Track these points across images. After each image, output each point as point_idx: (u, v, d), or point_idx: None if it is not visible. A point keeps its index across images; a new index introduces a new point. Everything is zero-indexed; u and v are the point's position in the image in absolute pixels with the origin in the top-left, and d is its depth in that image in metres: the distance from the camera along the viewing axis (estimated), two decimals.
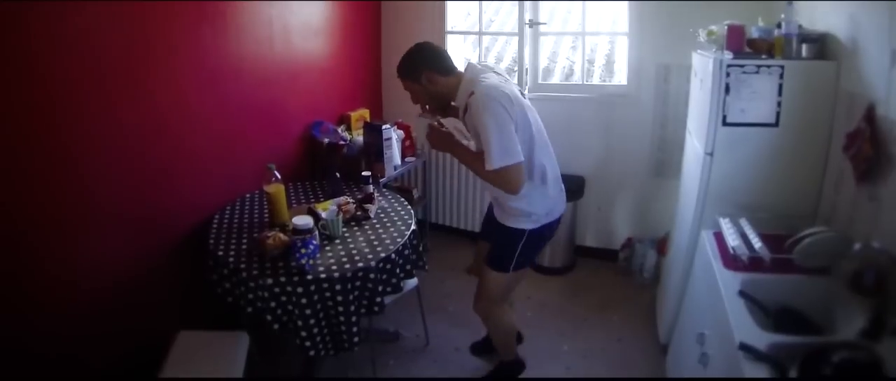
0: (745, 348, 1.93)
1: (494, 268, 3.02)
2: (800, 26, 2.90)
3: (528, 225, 2.89)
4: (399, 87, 2.93)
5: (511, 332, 3.37)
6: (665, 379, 3.19)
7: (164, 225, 3.20)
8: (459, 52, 5.36)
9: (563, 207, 3.02)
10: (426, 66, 2.77)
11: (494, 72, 2.84)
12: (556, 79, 6.18)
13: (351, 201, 3.42)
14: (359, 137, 4.37)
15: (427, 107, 2.97)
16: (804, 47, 2.86)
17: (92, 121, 2.70)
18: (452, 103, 2.88)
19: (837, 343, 1.96)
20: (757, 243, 2.55)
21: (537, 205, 2.86)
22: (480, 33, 5.08)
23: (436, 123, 2.93)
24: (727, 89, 2.86)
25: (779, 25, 2.94)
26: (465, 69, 2.82)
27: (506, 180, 2.60)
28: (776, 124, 2.87)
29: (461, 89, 2.77)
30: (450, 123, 2.96)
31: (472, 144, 2.88)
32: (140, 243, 3.07)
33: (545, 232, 2.99)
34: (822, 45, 2.86)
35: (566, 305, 4.24)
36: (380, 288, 2.92)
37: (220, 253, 2.93)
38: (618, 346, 3.76)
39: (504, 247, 2.96)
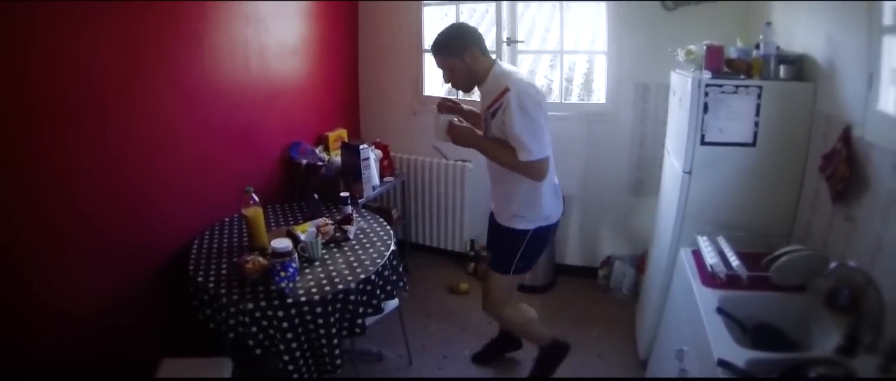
0: (723, 364, 1.95)
1: (497, 270, 3.15)
2: (778, 47, 2.94)
3: (530, 225, 3.00)
4: (376, 107, 2.96)
5: (530, 321, 3.43)
6: (660, 379, 3.19)
7: (144, 250, 3.17)
8: (437, 70, 5.30)
9: (560, 210, 3.14)
10: (473, 43, 2.83)
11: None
12: None
13: (330, 222, 3.41)
14: (337, 157, 4.36)
15: (445, 102, 3.08)
16: (782, 68, 2.89)
17: (70, 145, 2.68)
18: (479, 87, 2.97)
19: (814, 360, 1.98)
20: (734, 261, 2.57)
21: (541, 205, 2.97)
22: None
23: (455, 120, 2.98)
24: (705, 109, 2.88)
25: (757, 46, 2.98)
26: (494, 61, 2.92)
27: (537, 170, 2.78)
28: (754, 144, 2.90)
29: (493, 75, 2.87)
30: (445, 118, 2.99)
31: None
32: (121, 269, 3.04)
33: (545, 233, 3.09)
34: (799, 67, 2.89)
35: (547, 322, 4.21)
36: (361, 309, 2.91)
37: (201, 279, 2.90)
38: (598, 362, 3.77)
39: (506, 249, 3.08)
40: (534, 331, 3.44)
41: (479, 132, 3.03)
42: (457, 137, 2.96)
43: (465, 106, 3.25)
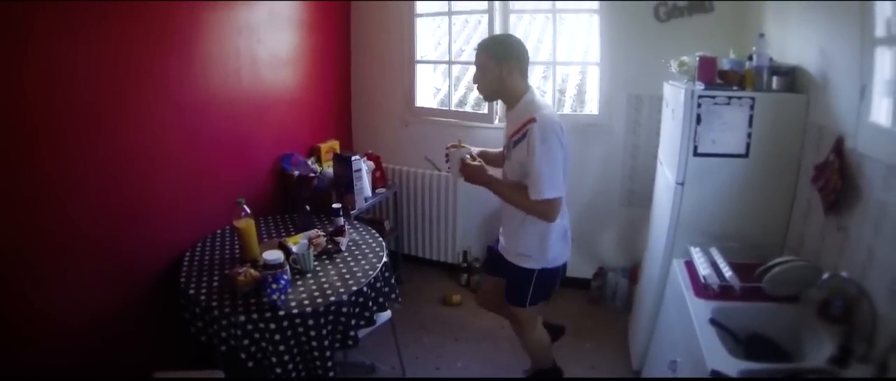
0: (717, 375, 1.95)
1: (515, 304, 3.10)
2: (771, 59, 2.95)
3: (535, 265, 2.94)
4: (368, 118, 2.93)
5: (547, 345, 3.41)
6: (656, 379, 3.18)
7: (135, 262, 3.15)
8: (429, 82, 5.39)
9: (567, 255, 3.07)
10: (516, 58, 2.79)
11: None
12: None
13: (322, 234, 3.40)
14: (329, 169, 4.36)
15: (459, 141, 3.01)
16: (775, 80, 2.90)
17: (63, 158, 2.67)
18: (508, 111, 2.93)
19: (807, 370, 1.99)
20: (727, 272, 2.58)
21: (547, 248, 2.91)
22: (450, 62, 5.08)
23: (467, 157, 2.94)
24: (698, 120, 2.89)
25: (750, 58, 2.99)
26: (529, 88, 2.86)
27: (547, 210, 2.72)
28: (746, 155, 2.91)
29: (524, 102, 2.81)
30: (458, 154, 2.97)
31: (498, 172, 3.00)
32: (112, 281, 3.02)
33: (553, 273, 3.03)
34: (792, 78, 2.90)
35: None
36: (353, 322, 2.90)
37: (192, 291, 2.89)
38: (591, 373, 3.76)
39: (517, 285, 3.04)
40: (548, 356, 3.44)
41: (491, 171, 2.97)
42: (469, 175, 2.92)
43: (474, 148, 3.19)
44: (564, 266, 3.09)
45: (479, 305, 3.60)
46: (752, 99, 2.84)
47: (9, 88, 2.40)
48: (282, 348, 2.67)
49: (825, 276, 2.06)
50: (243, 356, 2.65)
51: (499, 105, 4.74)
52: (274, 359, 2.66)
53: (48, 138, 2.59)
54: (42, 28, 2.50)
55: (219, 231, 3.65)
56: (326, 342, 2.75)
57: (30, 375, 2.61)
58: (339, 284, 2.93)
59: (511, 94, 2.84)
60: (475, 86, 2.94)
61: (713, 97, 2.87)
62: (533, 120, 2.67)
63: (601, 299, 4.70)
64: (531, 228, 2.87)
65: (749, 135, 2.87)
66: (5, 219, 2.44)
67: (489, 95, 2.96)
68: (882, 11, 2.12)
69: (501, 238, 3.14)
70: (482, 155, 3.12)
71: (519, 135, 2.75)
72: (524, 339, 3.34)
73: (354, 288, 2.89)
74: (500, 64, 2.77)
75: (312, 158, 4.58)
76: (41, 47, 2.51)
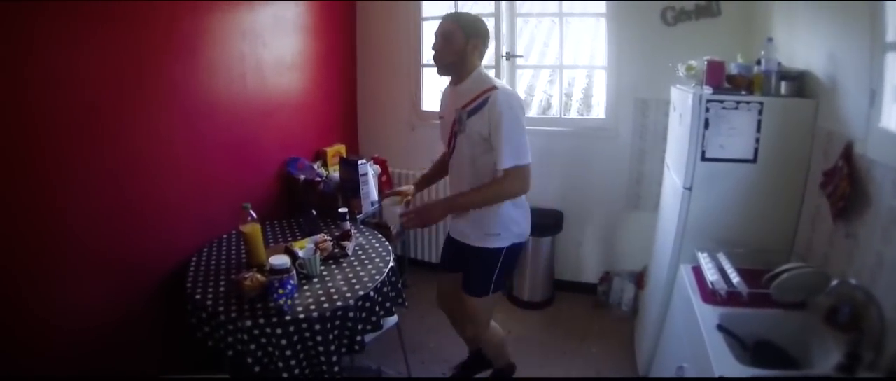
0: None
1: (476, 294, 3.04)
2: (779, 64, 2.93)
3: (504, 243, 2.93)
4: (374, 122, 2.93)
5: (503, 343, 3.40)
6: (662, 379, 3.17)
7: (141, 268, 3.15)
8: (435, 85, 5.32)
9: (530, 228, 3.07)
10: (482, 38, 2.83)
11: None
12: (533, 112, 6.16)
13: (328, 238, 3.39)
14: (335, 173, 4.35)
15: (386, 191, 3.05)
16: (783, 84, 2.89)
17: (67, 162, 2.67)
18: (456, 85, 2.90)
19: (814, 377, 1.99)
20: (735, 278, 2.57)
21: (517, 221, 2.94)
22: None
23: (400, 208, 3.00)
24: (707, 124, 2.88)
25: (758, 62, 2.99)
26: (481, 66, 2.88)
27: (521, 179, 2.71)
28: (755, 160, 2.90)
29: (477, 75, 2.82)
30: (393, 209, 2.96)
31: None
32: (118, 287, 3.01)
33: (518, 250, 3.04)
34: (801, 83, 2.89)
35: (545, 338, 4.23)
36: (360, 326, 2.89)
37: (198, 296, 2.88)
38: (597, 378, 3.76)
39: (482, 270, 2.99)
40: (504, 353, 3.45)
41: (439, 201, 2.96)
42: (421, 221, 2.88)
43: (406, 187, 3.29)
44: (527, 243, 3.14)
45: (438, 305, 3.51)
46: (761, 103, 2.83)
47: (12, 91, 2.40)
48: (288, 353, 2.66)
49: (834, 283, 2.05)
50: (250, 361, 2.65)
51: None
52: (280, 364, 2.66)
53: (51, 143, 2.59)
54: (45, 32, 2.49)
55: (225, 236, 3.65)
56: (333, 347, 2.74)
57: (36, 377, 2.61)
58: (345, 288, 2.93)
59: (467, 69, 2.84)
60: (432, 54, 2.89)
61: (721, 101, 2.86)
62: (492, 88, 2.71)
63: (607, 304, 4.70)
64: (498, 205, 2.86)
65: (757, 140, 2.86)
66: (8, 225, 2.44)
67: (447, 66, 2.88)
68: (893, 15, 2.11)
69: (459, 224, 3.09)
70: (420, 183, 3.19)
71: (475, 104, 2.76)
72: (479, 337, 3.29)
73: (361, 293, 2.88)
74: (468, 38, 2.78)
75: (318, 163, 4.58)
76: (44, 51, 2.50)
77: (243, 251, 3.27)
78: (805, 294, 2.33)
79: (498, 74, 4.74)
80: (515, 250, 3.01)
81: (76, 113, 2.69)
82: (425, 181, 3.34)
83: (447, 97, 3.01)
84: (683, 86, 3.30)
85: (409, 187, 3.30)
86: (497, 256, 2.94)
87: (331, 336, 2.73)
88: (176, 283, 3.21)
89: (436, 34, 2.87)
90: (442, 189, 4.22)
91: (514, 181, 2.71)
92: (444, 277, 3.36)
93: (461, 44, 2.78)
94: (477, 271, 3.01)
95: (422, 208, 2.88)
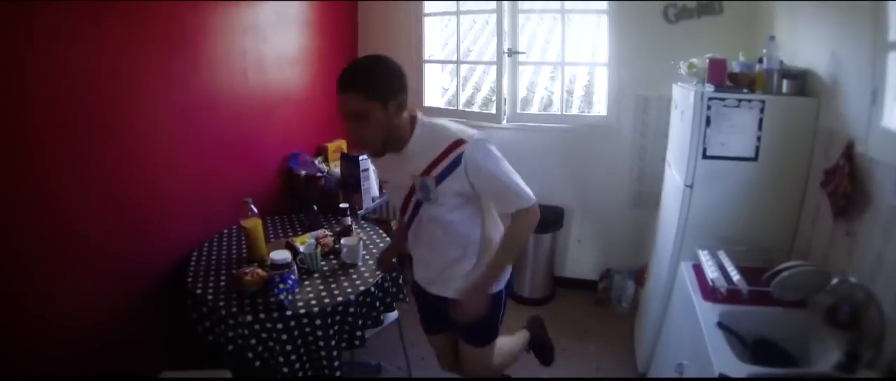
0: (724, 379, 1.95)
1: (484, 344, 2.73)
2: (781, 62, 2.94)
3: (500, 285, 2.54)
4: None
5: (504, 365, 3.08)
6: (662, 379, 3.17)
7: (141, 263, 3.15)
8: (437, 81, 5.39)
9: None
10: (402, 90, 2.25)
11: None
12: (534, 109, 6.20)
13: (329, 233, 3.40)
14: (336, 168, 4.36)
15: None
16: (785, 83, 2.89)
17: (67, 158, 2.67)
18: (399, 149, 2.33)
19: (814, 376, 1.99)
20: (735, 276, 2.57)
21: None
22: (458, 62, 5.07)
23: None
24: (708, 122, 2.89)
25: (760, 60, 2.99)
26: (415, 114, 2.37)
27: (533, 213, 2.29)
28: (756, 158, 2.90)
29: (424, 129, 2.31)
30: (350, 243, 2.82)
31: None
32: (119, 282, 3.01)
33: (512, 279, 2.71)
34: (803, 82, 2.89)
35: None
36: (360, 322, 2.91)
37: (199, 291, 2.89)
38: (597, 375, 3.77)
39: (484, 319, 2.44)
40: (510, 363, 3.18)
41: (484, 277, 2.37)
42: (480, 310, 2.34)
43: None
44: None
45: (446, 369, 3.08)
46: (762, 102, 2.83)
47: (12, 88, 2.39)
48: (289, 348, 2.67)
49: (834, 281, 2.06)
50: (250, 355, 2.66)
51: (505, 102, 4.77)
52: (281, 359, 2.67)
53: (51, 139, 2.58)
54: (45, 29, 2.49)
55: (226, 231, 3.66)
56: (333, 342, 2.75)
57: (38, 375, 2.61)
58: (346, 284, 2.93)
59: (401, 132, 2.29)
60: (353, 141, 2.30)
61: (723, 99, 2.86)
62: (459, 143, 2.19)
63: (607, 301, 4.70)
64: (484, 246, 2.48)
65: (758, 138, 2.87)
66: (8, 223, 2.44)
67: (378, 146, 2.29)
68: (895, 15, 2.12)
69: (436, 288, 2.65)
70: (388, 253, 2.96)
71: (442, 167, 2.22)
72: (497, 372, 2.99)
73: (362, 288, 2.89)
74: (386, 103, 2.17)
75: (320, 158, 4.59)
76: (44, 48, 2.50)
77: (244, 246, 3.28)
78: (805, 293, 2.34)
79: (499, 71, 4.75)
80: (511, 281, 2.67)
81: (75, 109, 2.68)
82: (391, 252, 3.00)
83: (389, 163, 2.39)
84: (685, 83, 3.31)
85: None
86: (498, 299, 2.57)
87: (331, 332, 2.74)
88: (177, 278, 3.22)
89: (343, 115, 2.20)
90: None
91: (528, 219, 2.30)
92: (436, 338, 2.97)
93: (380, 116, 2.16)
94: (481, 320, 2.43)
95: (471, 303, 2.32)
